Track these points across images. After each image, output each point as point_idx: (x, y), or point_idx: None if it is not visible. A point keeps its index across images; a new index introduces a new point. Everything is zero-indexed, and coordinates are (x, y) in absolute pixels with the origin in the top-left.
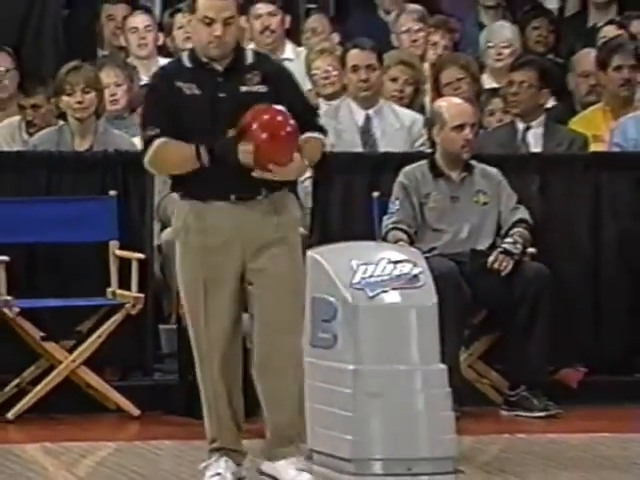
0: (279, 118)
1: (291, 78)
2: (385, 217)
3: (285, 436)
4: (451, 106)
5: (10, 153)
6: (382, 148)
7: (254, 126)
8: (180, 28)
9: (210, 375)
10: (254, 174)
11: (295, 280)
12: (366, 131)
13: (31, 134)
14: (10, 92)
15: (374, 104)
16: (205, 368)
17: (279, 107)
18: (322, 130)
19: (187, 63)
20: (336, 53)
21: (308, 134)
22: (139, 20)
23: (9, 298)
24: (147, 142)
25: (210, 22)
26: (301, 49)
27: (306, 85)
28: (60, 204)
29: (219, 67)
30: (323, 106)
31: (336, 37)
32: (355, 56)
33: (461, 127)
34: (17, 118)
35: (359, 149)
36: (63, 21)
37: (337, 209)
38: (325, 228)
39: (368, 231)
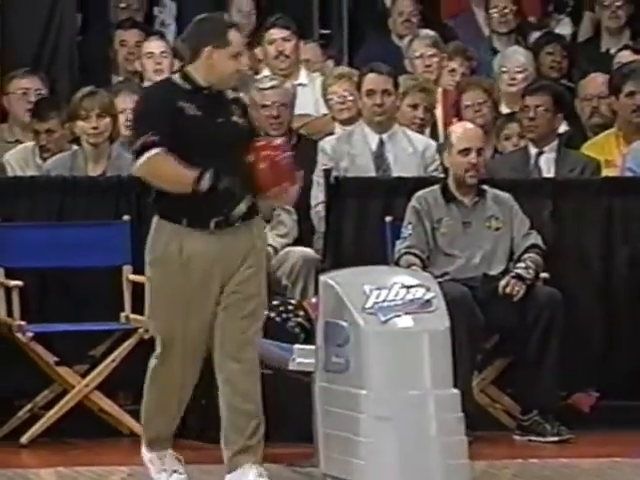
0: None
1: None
2: (398, 242)
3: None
4: (458, 130)
5: (23, 178)
6: (395, 173)
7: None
8: None
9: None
10: (260, 201)
11: (260, 303)
12: (379, 156)
13: (45, 159)
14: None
15: (388, 129)
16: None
17: (278, 140)
18: None
19: (185, 85)
20: (353, 79)
21: None
22: (155, 45)
23: (22, 323)
24: (146, 147)
25: (238, 56)
26: (315, 74)
27: (321, 110)
28: (73, 229)
29: (215, 92)
30: (338, 131)
31: (330, 63)
32: (371, 80)
33: (467, 151)
34: (32, 143)
35: (372, 174)
36: (77, 46)
37: (350, 233)
38: (338, 252)
39: (381, 255)
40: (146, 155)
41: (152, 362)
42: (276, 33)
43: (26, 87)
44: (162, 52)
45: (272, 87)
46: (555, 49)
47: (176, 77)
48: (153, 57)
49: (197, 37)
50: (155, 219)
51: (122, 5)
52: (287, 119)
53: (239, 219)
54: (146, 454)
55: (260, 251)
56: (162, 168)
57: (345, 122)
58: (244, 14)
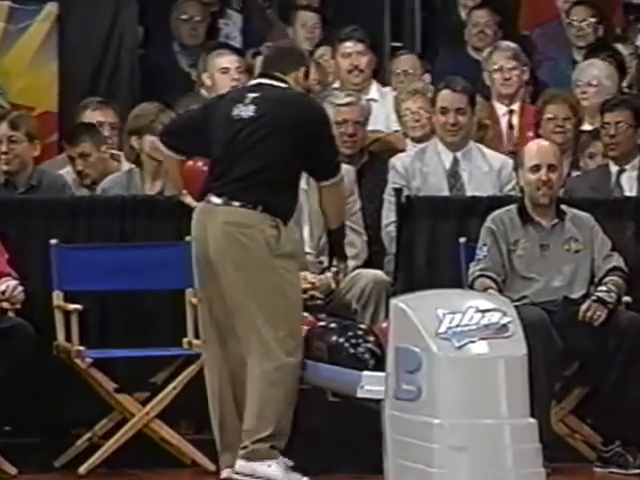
0: None
1: None
2: (472, 264)
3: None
4: (531, 147)
5: (82, 198)
6: (470, 192)
7: None
8: None
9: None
10: None
11: None
12: (453, 174)
13: (87, 186)
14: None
15: (463, 146)
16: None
17: None
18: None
19: None
20: (428, 95)
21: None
22: (228, 60)
23: (81, 348)
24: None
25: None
26: (386, 89)
27: (392, 126)
28: (134, 250)
29: None
30: (411, 148)
31: (428, 78)
32: (445, 98)
33: (537, 167)
34: (68, 169)
35: (446, 193)
36: (139, 60)
37: (422, 255)
38: (410, 275)
39: (455, 278)
40: (341, 174)
41: (274, 365)
42: (351, 47)
43: (99, 120)
44: (237, 67)
45: (349, 104)
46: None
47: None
48: (229, 73)
49: None
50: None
51: (184, 17)
52: (362, 138)
53: None
54: (269, 462)
55: None
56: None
57: (418, 139)
58: (308, 28)
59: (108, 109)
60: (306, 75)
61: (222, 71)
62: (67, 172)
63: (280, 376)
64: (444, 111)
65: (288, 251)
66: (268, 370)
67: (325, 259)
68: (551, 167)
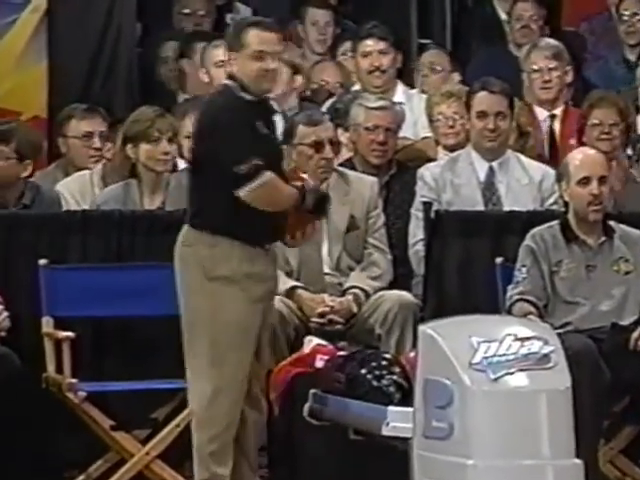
0: None
1: None
2: (510, 286)
3: None
4: (577, 157)
5: (75, 213)
6: (507, 206)
7: None
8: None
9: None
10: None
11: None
12: (489, 186)
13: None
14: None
15: (499, 155)
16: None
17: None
18: None
19: (248, 97)
20: (463, 98)
21: None
22: (221, 52)
23: (74, 381)
24: (255, 171)
25: (263, 56)
26: (413, 91)
27: (421, 132)
28: (132, 271)
29: (269, 88)
30: (441, 157)
31: (456, 76)
32: (482, 100)
33: (586, 180)
34: (87, 172)
35: (480, 207)
36: (137, 59)
37: (454, 277)
38: (440, 299)
39: (490, 302)
40: (258, 179)
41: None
42: (371, 45)
43: (88, 131)
44: None
45: (380, 108)
46: None
47: (237, 89)
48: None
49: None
50: (224, 247)
51: (186, 11)
52: (393, 146)
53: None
54: None
55: None
56: (275, 190)
57: (452, 148)
58: (319, 27)
59: (96, 117)
60: None
61: (217, 65)
62: (64, 185)
63: (203, 419)
64: (482, 115)
65: (223, 274)
66: (193, 410)
67: (345, 280)
68: (602, 179)
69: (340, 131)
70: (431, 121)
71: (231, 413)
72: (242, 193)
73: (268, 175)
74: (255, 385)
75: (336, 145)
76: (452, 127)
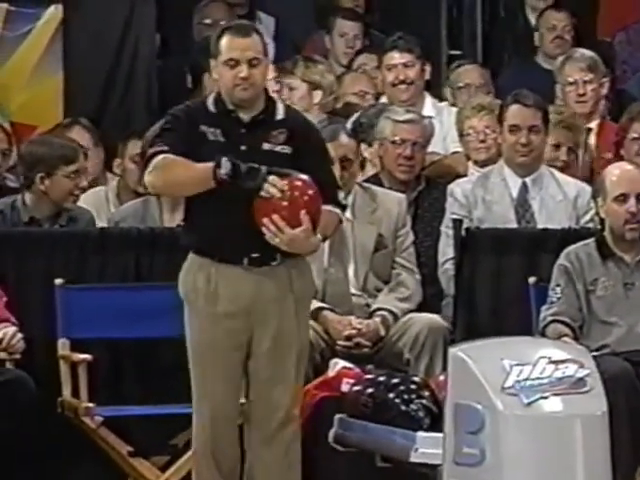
0: (298, 183)
1: (319, 144)
2: (544, 307)
3: None
4: (614, 172)
5: (92, 231)
6: (541, 224)
7: None
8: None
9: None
10: (264, 231)
11: (301, 359)
12: (522, 203)
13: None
14: (94, 175)
15: (533, 171)
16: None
17: (304, 176)
18: (340, 205)
19: (211, 107)
20: (495, 112)
21: (325, 206)
22: None
23: (91, 405)
24: (150, 157)
25: (235, 64)
26: (442, 104)
27: (451, 147)
28: (151, 292)
29: (245, 117)
30: (472, 172)
31: (487, 90)
32: (515, 114)
33: (624, 197)
34: (103, 188)
35: (513, 224)
36: (157, 70)
37: (485, 297)
38: (471, 320)
39: (523, 324)
40: (154, 161)
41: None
42: (396, 58)
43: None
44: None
45: (408, 121)
46: None
47: (210, 98)
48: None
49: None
50: (188, 257)
51: (207, 21)
52: (420, 161)
53: (278, 256)
54: None
55: (302, 299)
56: (174, 169)
57: (483, 163)
58: (347, 39)
59: (79, 128)
60: None
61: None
62: (92, 199)
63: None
64: (514, 129)
65: (183, 292)
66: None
67: (372, 301)
68: None
69: (364, 146)
70: (461, 135)
71: (217, 444)
72: (145, 178)
73: (163, 156)
74: (267, 420)
75: (352, 162)
76: (483, 141)
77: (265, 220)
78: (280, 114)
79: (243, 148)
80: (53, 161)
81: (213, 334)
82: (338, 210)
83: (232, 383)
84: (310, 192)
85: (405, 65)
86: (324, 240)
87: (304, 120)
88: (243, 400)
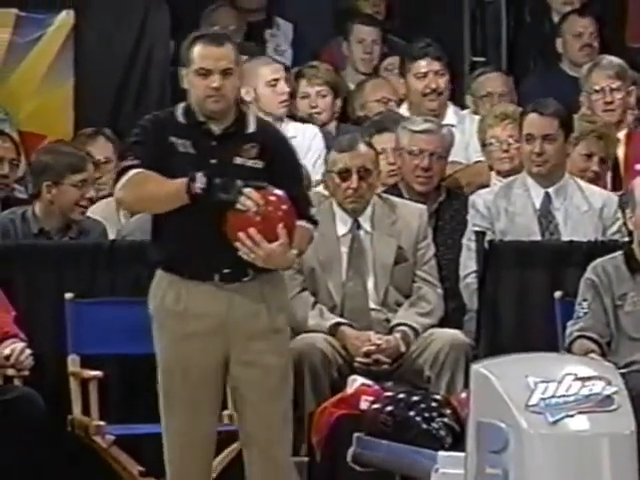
0: (273, 197)
1: (292, 158)
2: (570, 322)
3: None
4: None
5: (102, 243)
6: (565, 236)
7: None
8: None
9: None
10: (237, 241)
11: (283, 376)
12: (545, 214)
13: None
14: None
15: (556, 181)
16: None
17: (278, 191)
18: (312, 220)
19: (181, 118)
20: (519, 120)
21: (298, 222)
22: (275, 69)
23: (102, 424)
24: (122, 171)
25: (206, 73)
26: (464, 112)
27: (472, 156)
28: None
29: (216, 129)
30: (495, 183)
31: (511, 98)
32: (531, 123)
33: None
34: (113, 199)
35: (536, 237)
36: (170, 79)
37: (509, 312)
38: (494, 336)
39: (548, 340)
40: (125, 177)
41: None
42: (425, 66)
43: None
44: (287, 79)
45: (426, 131)
46: None
47: (179, 108)
48: (279, 84)
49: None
50: (157, 273)
51: (215, 28)
52: (439, 172)
53: (250, 272)
54: None
55: (277, 315)
56: (145, 185)
57: (506, 174)
58: (365, 45)
59: (102, 138)
60: None
61: (271, 83)
62: (91, 212)
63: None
64: (529, 138)
65: (152, 310)
66: None
67: (392, 316)
68: None
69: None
70: (484, 145)
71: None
72: (115, 193)
73: (135, 171)
74: (257, 439)
75: (370, 172)
76: (507, 151)
77: (241, 235)
78: (251, 127)
79: (213, 162)
80: (60, 169)
81: (183, 353)
82: (310, 226)
83: (204, 403)
84: (285, 207)
85: (436, 73)
86: (299, 255)
87: (276, 133)
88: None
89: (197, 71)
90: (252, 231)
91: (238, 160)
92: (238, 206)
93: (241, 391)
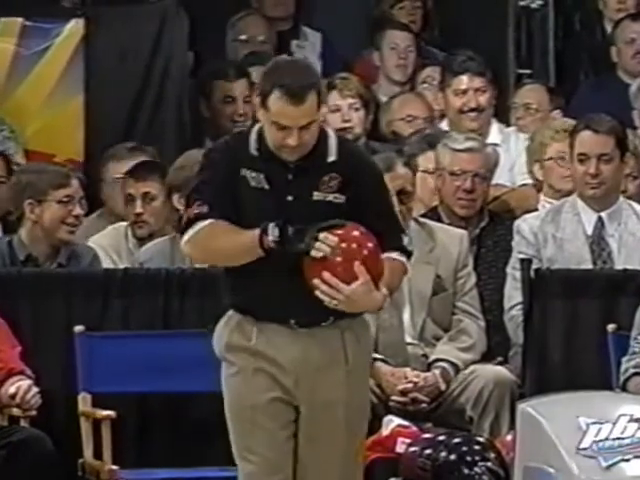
0: (351, 235)
1: (378, 187)
2: (624, 358)
3: None
4: None
5: (115, 272)
6: (620, 264)
7: None
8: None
9: None
10: (315, 289)
11: (358, 432)
12: (598, 241)
13: (140, 239)
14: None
15: (610, 204)
16: None
17: (358, 226)
18: (405, 251)
19: (253, 147)
20: None
21: (387, 254)
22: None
23: (115, 468)
24: (191, 220)
25: (284, 127)
26: (510, 129)
27: (518, 178)
28: (182, 340)
29: (291, 159)
30: (545, 205)
31: (557, 115)
32: (584, 141)
33: None
34: (124, 224)
35: (587, 265)
36: (189, 91)
37: (558, 346)
38: (542, 372)
39: (601, 377)
40: (193, 229)
41: None
42: (467, 82)
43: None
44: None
45: (469, 150)
46: None
47: (253, 134)
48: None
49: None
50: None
51: (242, 37)
52: (482, 194)
53: (330, 317)
54: None
55: (358, 364)
56: (216, 240)
57: (568, 192)
58: (399, 51)
59: (142, 154)
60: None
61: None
62: (95, 240)
63: None
64: (583, 158)
65: (219, 349)
66: None
67: (430, 351)
68: None
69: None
70: (538, 161)
71: None
72: (182, 245)
73: (204, 224)
74: None
75: (409, 194)
76: (569, 168)
77: (316, 281)
78: (332, 154)
79: (290, 199)
80: (42, 186)
81: (254, 387)
82: (403, 258)
83: (279, 439)
84: (364, 243)
85: (477, 90)
86: (391, 294)
87: (359, 158)
88: None
89: (274, 122)
90: (326, 275)
91: (317, 195)
92: (313, 253)
93: (306, 451)
